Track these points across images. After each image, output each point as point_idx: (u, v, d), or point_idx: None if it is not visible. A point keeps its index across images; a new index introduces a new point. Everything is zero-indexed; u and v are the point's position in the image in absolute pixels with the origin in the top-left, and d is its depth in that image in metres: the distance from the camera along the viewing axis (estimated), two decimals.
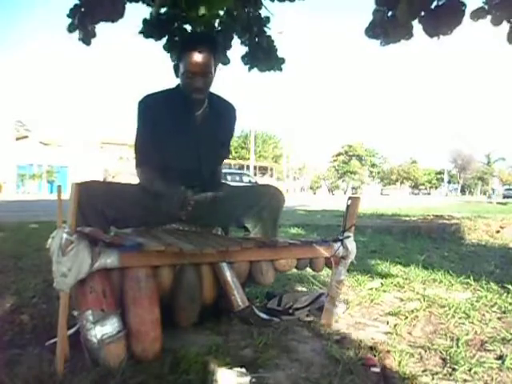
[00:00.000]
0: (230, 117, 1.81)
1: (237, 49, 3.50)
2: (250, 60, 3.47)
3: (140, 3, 3.00)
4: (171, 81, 1.73)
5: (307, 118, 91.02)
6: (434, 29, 2.34)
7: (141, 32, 3.13)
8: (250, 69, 3.49)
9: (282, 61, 3.52)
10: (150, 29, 3.10)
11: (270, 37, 3.45)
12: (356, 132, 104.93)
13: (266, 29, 3.43)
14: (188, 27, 3.21)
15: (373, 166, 58.77)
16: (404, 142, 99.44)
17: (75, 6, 2.98)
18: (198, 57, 1.55)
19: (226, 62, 3.42)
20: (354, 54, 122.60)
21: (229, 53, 3.42)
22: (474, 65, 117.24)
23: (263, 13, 3.39)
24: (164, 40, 3.23)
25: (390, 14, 2.53)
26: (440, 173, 57.15)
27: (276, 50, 3.48)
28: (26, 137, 33.95)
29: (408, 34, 2.53)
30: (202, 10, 2.32)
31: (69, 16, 2.99)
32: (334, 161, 57.51)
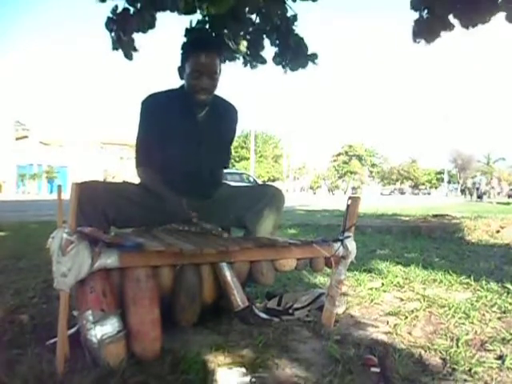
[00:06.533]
0: (232, 118, 1.81)
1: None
2: (281, 60, 3.48)
3: (168, 12, 3.01)
4: (173, 80, 1.74)
5: (307, 117, 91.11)
6: (470, 19, 2.36)
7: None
8: (283, 67, 3.50)
9: (315, 56, 3.50)
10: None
11: (297, 35, 3.44)
12: (356, 132, 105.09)
13: (294, 27, 3.42)
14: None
15: (373, 165, 58.77)
16: (404, 141, 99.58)
17: (108, 18, 3.03)
18: (204, 57, 1.55)
19: (264, 61, 3.45)
20: (354, 54, 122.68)
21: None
22: (474, 64, 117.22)
23: (290, 11, 3.38)
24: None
25: (425, 13, 2.58)
26: (440, 173, 57.05)
27: (306, 47, 3.46)
28: (25, 137, 33.96)
29: (448, 27, 2.55)
30: (211, 10, 2.33)
31: (107, 28, 3.05)
32: (334, 161, 57.52)
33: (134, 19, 2.93)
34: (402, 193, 53.86)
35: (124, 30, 3.00)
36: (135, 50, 3.16)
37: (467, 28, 2.42)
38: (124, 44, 3.08)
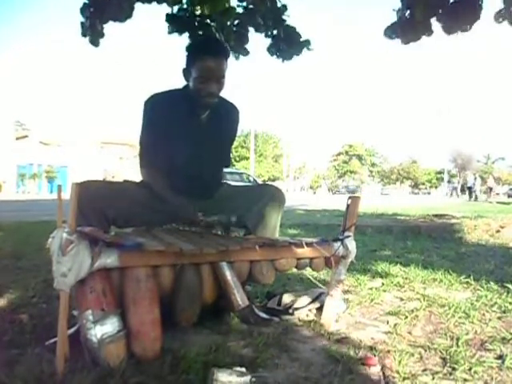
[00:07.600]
0: (234, 119, 1.81)
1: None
2: (275, 50, 3.47)
3: (153, 3, 2.98)
4: (173, 79, 1.73)
5: (307, 117, 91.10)
6: (452, 26, 2.35)
7: (171, 31, 3.12)
8: (278, 57, 3.49)
9: (308, 43, 3.48)
10: (174, 24, 3.08)
11: (288, 25, 3.43)
12: (356, 131, 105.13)
13: (284, 18, 3.41)
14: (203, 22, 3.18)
15: (373, 165, 58.83)
16: (404, 141, 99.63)
17: (84, 4, 3.00)
18: (212, 62, 1.53)
19: (247, 53, 3.43)
20: (354, 53, 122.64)
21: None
22: (474, 64, 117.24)
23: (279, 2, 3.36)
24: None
25: (408, 13, 2.56)
26: (440, 172, 57.01)
27: (299, 36, 3.45)
28: (25, 136, 33.94)
29: (427, 31, 2.54)
30: (206, 8, 2.32)
31: (82, 15, 3.01)
32: (335, 160, 57.65)
33: (112, 7, 2.89)
34: (352, 191, 44.48)
35: (100, 17, 2.96)
36: (102, 36, 3.13)
37: (448, 34, 2.43)
38: (94, 31, 3.04)
